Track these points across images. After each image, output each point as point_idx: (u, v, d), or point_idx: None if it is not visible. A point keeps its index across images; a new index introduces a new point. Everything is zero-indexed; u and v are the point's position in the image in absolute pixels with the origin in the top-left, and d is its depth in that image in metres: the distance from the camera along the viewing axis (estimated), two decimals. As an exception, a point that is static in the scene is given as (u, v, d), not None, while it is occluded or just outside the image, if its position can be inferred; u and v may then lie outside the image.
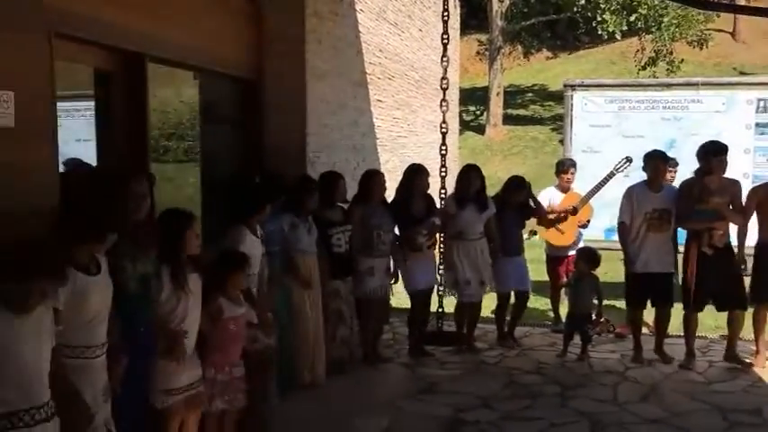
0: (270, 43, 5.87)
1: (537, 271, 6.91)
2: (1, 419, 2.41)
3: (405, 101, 9.36)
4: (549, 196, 6.90)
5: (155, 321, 3.39)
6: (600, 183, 6.80)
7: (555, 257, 6.78)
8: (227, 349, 3.77)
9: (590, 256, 6.02)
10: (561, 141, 16.91)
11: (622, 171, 6.84)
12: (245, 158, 5.93)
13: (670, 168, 6.15)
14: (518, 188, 6.14)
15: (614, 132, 8.03)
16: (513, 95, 23.72)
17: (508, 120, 21.84)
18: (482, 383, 5.29)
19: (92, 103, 5.79)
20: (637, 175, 6.10)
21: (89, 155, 5.08)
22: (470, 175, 5.93)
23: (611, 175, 6.82)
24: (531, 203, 6.35)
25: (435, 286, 6.07)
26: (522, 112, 23.08)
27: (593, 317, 5.96)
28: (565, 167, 6.95)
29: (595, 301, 5.94)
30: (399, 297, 6.36)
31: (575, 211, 6.72)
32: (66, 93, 4.09)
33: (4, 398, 2.41)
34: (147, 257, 3.34)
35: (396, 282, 5.82)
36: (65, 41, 3.61)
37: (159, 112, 5.84)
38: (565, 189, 6.91)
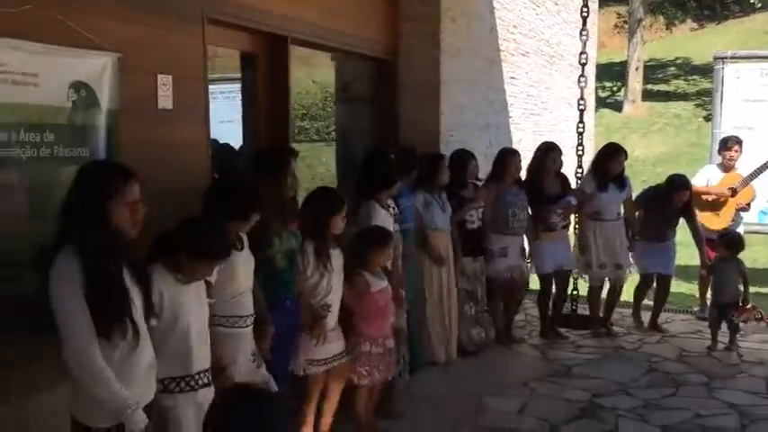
0: (404, 22, 5.90)
1: (683, 254, 6.54)
2: (170, 383, 2.61)
3: (539, 78, 9.12)
4: (707, 175, 6.48)
5: (299, 295, 3.53)
6: (764, 164, 6.30)
7: (707, 241, 6.32)
8: (378, 322, 3.83)
9: (729, 241, 5.65)
10: (706, 118, 15.92)
11: None
12: (379, 137, 6.01)
13: None
14: (683, 189, 5.75)
15: (771, 107, 7.41)
16: (653, 70, 22.46)
17: (648, 96, 20.71)
18: (620, 369, 5.11)
19: (232, 86, 6.09)
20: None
21: (231, 136, 5.35)
22: (619, 157, 5.71)
23: None
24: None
25: (570, 268, 5.92)
26: (663, 87, 21.82)
27: (740, 303, 5.59)
28: (728, 144, 6.45)
29: (741, 287, 5.57)
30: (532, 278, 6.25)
31: (734, 193, 6.28)
32: (211, 76, 4.31)
33: (174, 363, 2.60)
34: (291, 233, 3.47)
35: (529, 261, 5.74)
36: (215, 26, 3.80)
37: (295, 93, 6.04)
38: (727, 168, 6.43)
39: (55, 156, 2.82)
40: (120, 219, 2.26)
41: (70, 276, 2.16)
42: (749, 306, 5.86)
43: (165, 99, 3.36)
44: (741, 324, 5.65)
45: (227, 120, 6.11)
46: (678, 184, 5.78)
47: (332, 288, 3.58)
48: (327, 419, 3.80)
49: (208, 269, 2.68)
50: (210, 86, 4.50)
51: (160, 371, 2.53)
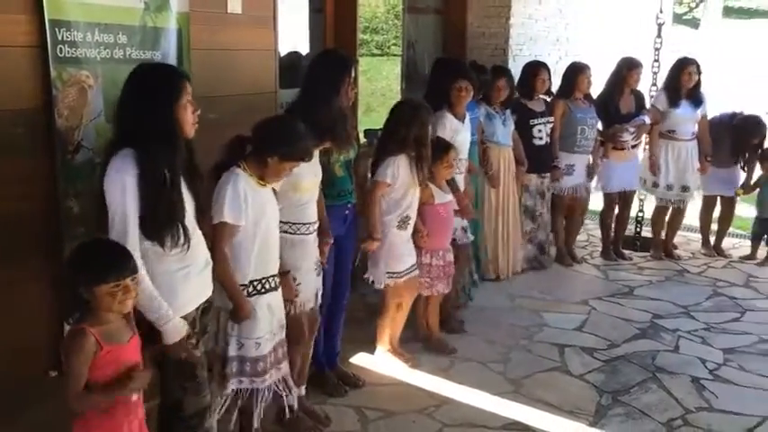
0: (476, -73, 5.65)
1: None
2: (250, 285, 2.68)
3: (614, -11, 8.66)
4: None
5: (365, 207, 3.55)
6: None
7: None
8: (439, 234, 3.84)
9: None
10: (792, 37, 14.92)
11: None
12: (445, 51, 5.87)
13: None
14: (756, 129, 5.65)
15: None
16: (736, -16, 21.11)
17: (730, 12, 19.56)
18: (683, 292, 5.05)
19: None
20: None
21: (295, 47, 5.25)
22: (689, 69, 5.43)
23: None
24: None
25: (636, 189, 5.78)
26: (745, 3, 20.55)
27: None
28: None
29: None
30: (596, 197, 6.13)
31: None
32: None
33: (258, 264, 2.67)
34: (350, 144, 3.43)
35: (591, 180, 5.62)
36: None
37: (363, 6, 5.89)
38: None
39: (128, 57, 2.82)
40: (184, 120, 2.24)
41: (127, 180, 2.12)
42: None
43: (235, 2, 3.32)
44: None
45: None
46: (753, 122, 5.64)
47: (413, 202, 3.60)
48: (398, 330, 3.87)
49: (291, 169, 2.69)
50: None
51: (241, 274, 2.61)
